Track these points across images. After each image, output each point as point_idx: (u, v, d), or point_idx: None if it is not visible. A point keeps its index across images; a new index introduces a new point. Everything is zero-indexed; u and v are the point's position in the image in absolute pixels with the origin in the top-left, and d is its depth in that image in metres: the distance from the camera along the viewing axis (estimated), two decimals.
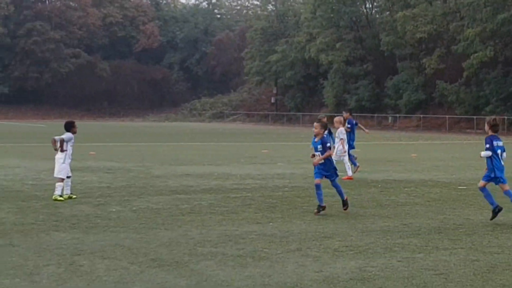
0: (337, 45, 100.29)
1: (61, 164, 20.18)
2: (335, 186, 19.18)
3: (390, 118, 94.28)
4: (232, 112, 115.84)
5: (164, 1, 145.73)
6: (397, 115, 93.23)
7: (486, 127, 20.60)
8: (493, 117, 27.57)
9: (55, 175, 20.38)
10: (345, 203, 18.48)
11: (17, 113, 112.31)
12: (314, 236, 14.31)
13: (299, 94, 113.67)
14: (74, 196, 20.66)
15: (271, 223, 16.04)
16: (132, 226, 15.54)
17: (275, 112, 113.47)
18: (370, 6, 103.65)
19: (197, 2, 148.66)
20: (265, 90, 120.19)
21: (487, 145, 19.56)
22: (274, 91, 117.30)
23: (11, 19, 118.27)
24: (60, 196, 19.98)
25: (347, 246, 13.23)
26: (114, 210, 18.04)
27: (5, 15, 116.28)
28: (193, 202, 19.50)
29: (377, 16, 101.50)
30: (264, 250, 12.93)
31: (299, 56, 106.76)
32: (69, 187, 20.52)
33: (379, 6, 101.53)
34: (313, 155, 19.36)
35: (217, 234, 14.56)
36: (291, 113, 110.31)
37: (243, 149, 47.37)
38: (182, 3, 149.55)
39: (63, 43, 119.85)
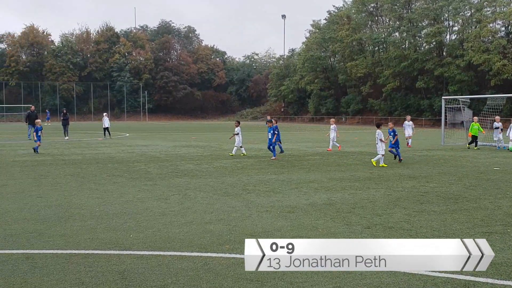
0: (316, 81, 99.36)
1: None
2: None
3: (343, 118, 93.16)
4: (261, 116, 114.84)
5: (228, 60, 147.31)
6: (347, 116, 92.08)
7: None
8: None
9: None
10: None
11: (156, 118, 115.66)
12: (305, 181, 14.31)
13: (296, 106, 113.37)
14: (241, 154, 22.49)
15: (282, 174, 15.92)
16: (214, 176, 15.46)
17: (283, 116, 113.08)
18: (333, 60, 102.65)
19: (243, 60, 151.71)
20: (278, 104, 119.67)
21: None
22: (283, 105, 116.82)
23: (153, 70, 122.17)
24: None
25: (321, 187, 13.25)
26: (204, 166, 17.78)
27: (150, 69, 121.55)
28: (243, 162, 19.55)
29: (337, 65, 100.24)
30: (279, 188, 13.11)
31: (296, 87, 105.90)
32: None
33: (337, 60, 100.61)
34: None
35: (259, 179, 14.69)
36: (291, 116, 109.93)
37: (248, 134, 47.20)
38: (237, 61, 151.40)
39: (178, 82, 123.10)
